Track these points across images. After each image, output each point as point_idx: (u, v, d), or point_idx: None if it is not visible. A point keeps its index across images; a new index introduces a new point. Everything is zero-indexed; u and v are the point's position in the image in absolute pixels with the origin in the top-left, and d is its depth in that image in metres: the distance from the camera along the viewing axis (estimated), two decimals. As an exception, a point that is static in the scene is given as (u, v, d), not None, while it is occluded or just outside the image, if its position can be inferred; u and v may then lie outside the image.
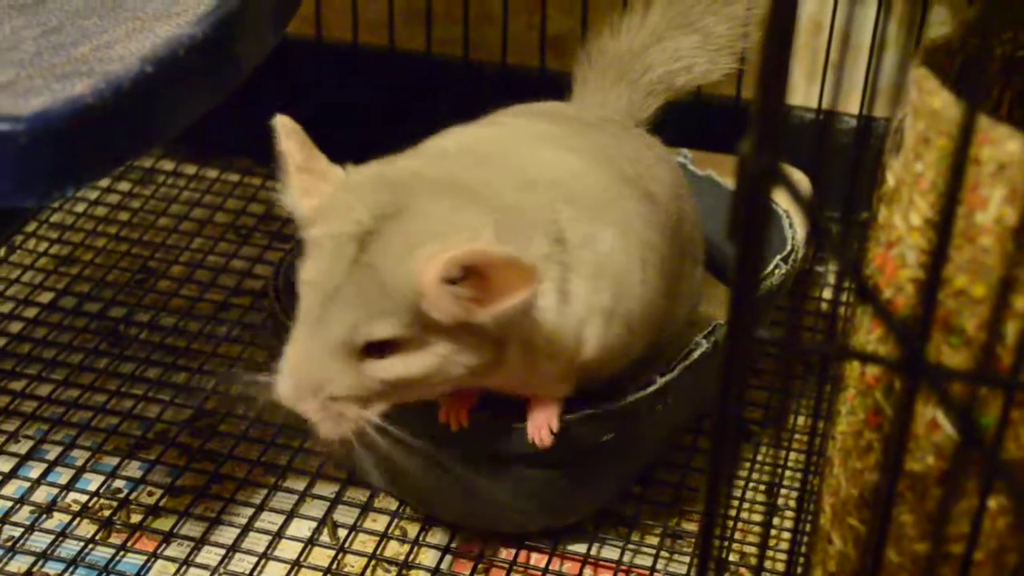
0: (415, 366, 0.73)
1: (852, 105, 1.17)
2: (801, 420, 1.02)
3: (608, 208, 0.82)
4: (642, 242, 0.82)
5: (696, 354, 0.87)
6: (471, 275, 0.70)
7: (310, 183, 0.75)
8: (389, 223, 0.72)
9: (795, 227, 0.99)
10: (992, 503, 0.59)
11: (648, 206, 0.84)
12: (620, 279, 0.80)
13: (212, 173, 1.30)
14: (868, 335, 0.65)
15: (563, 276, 0.78)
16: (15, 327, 1.10)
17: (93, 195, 1.25)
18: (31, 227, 1.21)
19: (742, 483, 0.96)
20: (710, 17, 1.00)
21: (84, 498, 0.94)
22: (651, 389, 0.84)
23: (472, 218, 0.74)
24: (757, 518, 0.94)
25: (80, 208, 1.24)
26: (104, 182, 1.27)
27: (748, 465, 0.98)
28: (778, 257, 0.96)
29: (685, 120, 1.15)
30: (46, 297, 1.13)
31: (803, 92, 1.22)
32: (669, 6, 1.00)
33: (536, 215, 0.78)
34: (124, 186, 1.27)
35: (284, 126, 0.75)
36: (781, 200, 0.99)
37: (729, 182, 1.05)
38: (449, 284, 0.70)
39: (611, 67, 1.01)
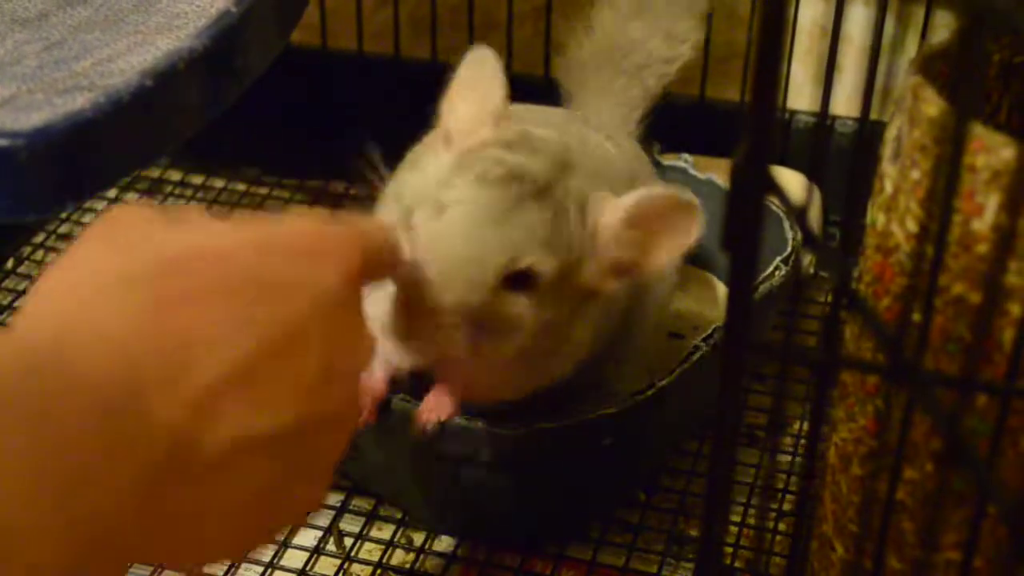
0: (544, 312, 0.71)
1: (858, 109, 1.17)
2: (807, 425, 1.01)
3: None
4: None
5: (695, 357, 0.87)
6: (638, 225, 0.73)
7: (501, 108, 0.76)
8: (569, 170, 0.73)
9: (795, 228, 0.99)
10: (991, 509, 0.59)
11: None
12: None
13: (219, 183, 1.30)
14: (867, 342, 0.65)
15: None
16: (23, 338, 1.10)
17: (100, 206, 1.26)
18: (39, 238, 1.22)
19: (747, 489, 0.96)
20: None
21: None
22: (649, 393, 0.85)
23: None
24: (762, 524, 0.94)
25: (88, 219, 1.24)
26: (112, 192, 1.27)
27: (753, 471, 0.98)
28: (778, 259, 0.96)
29: (688, 125, 1.15)
30: (54, 308, 1.13)
31: (809, 96, 1.22)
32: None
33: None
34: (132, 196, 1.27)
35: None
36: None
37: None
38: (627, 229, 0.72)
39: (593, 63, 1.01)
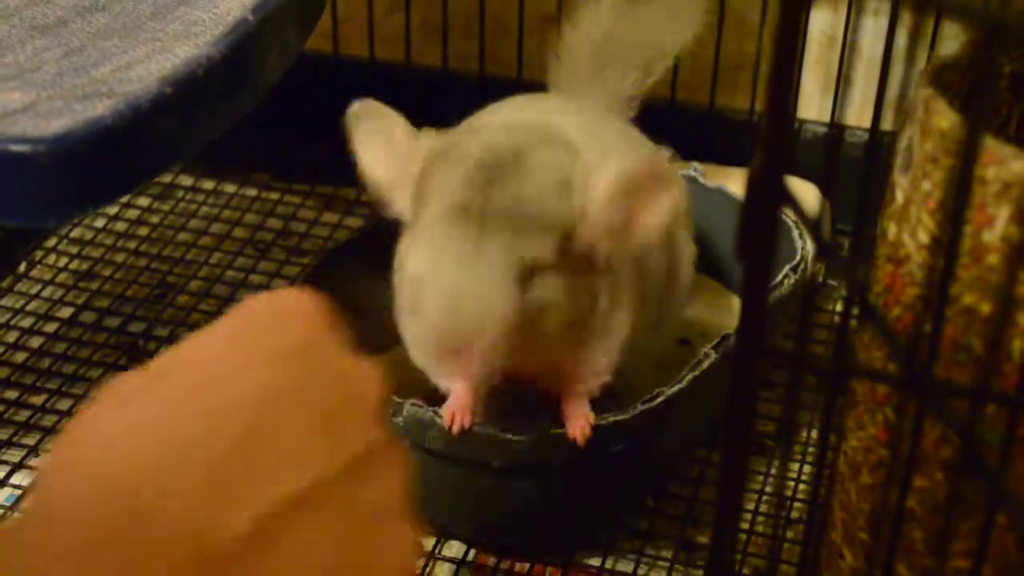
0: (563, 291, 0.76)
1: (867, 119, 1.18)
2: (815, 434, 1.02)
3: None
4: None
5: (705, 364, 0.87)
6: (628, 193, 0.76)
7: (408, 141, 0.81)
8: (525, 158, 0.76)
9: (804, 237, 0.99)
10: (1000, 518, 0.60)
11: None
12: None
13: (230, 188, 1.31)
14: (877, 352, 0.65)
15: None
16: (35, 342, 1.11)
17: (112, 211, 1.26)
18: (51, 242, 1.22)
19: (755, 496, 0.97)
20: None
21: (104, 511, 0.95)
22: (660, 400, 0.85)
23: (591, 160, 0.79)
24: (771, 532, 0.94)
25: (100, 223, 1.25)
26: (123, 198, 1.28)
27: (762, 479, 0.98)
28: (787, 267, 0.96)
29: (697, 133, 1.16)
30: (66, 312, 1.14)
31: (817, 105, 1.23)
32: None
33: None
34: (143, 201, 1.28)
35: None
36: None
37: (740, 193, 1.05)
38: (618, 196, 0.75)
39: (581, 64, 1.01)
